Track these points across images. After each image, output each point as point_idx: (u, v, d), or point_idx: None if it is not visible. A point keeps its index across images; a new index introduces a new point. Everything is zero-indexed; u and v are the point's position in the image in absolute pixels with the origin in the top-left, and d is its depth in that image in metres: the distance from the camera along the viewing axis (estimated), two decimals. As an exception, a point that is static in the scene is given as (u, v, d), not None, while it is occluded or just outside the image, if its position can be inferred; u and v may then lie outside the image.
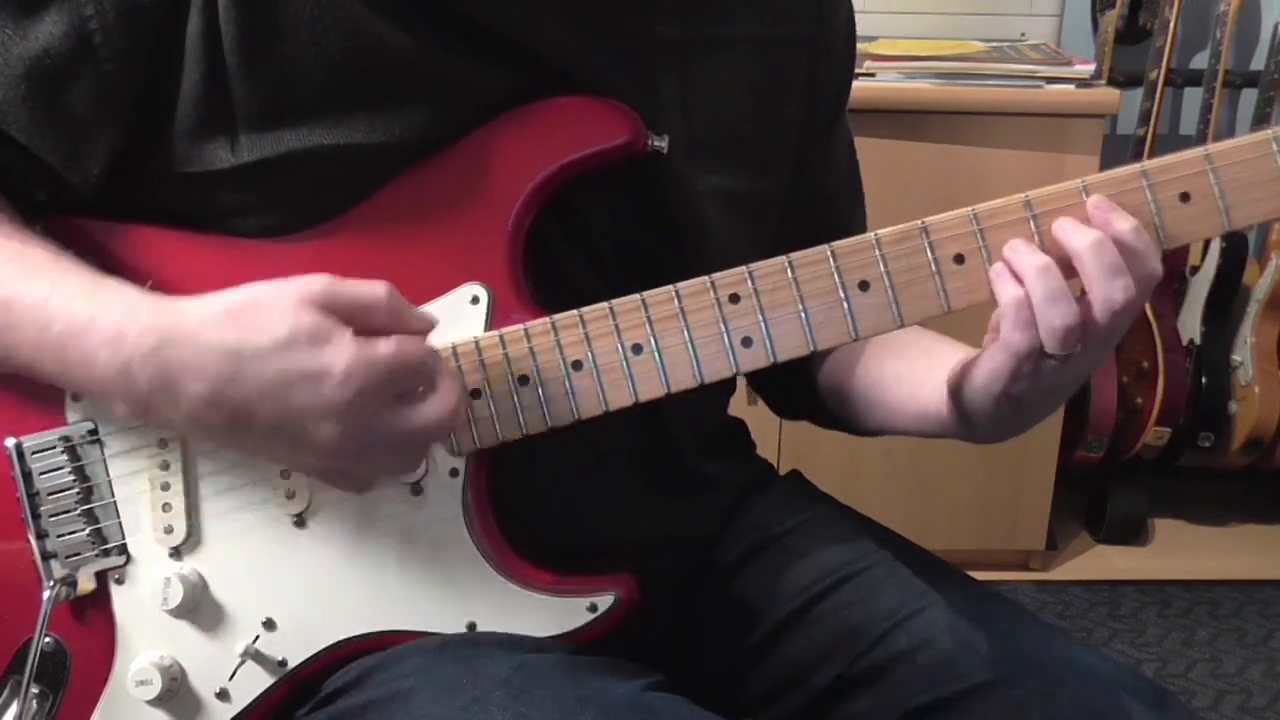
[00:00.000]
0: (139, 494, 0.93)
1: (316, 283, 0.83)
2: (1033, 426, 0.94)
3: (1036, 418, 0.92)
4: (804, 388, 1.16)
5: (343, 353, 0.80)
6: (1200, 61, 2.89)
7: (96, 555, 0.93)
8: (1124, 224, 0.84)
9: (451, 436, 0.90)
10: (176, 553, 0.93)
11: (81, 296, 0.85)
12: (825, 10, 1.09)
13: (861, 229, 1.02)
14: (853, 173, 1.21)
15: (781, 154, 1.08)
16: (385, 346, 0.81)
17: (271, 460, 0.88)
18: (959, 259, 0.87)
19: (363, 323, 0.82)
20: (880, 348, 1.07)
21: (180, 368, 0.81)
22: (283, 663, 0.92)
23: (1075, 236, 0.84)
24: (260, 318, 0.81)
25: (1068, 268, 0.84)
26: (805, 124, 1.09)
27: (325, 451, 0.82)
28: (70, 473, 0.92)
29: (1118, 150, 2.77)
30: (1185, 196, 0.86)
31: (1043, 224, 0.87)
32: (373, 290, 0.83)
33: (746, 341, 0.89)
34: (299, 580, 0.92)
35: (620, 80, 0.95)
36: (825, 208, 1.15)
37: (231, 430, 0.83)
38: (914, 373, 1.02)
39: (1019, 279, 0.84)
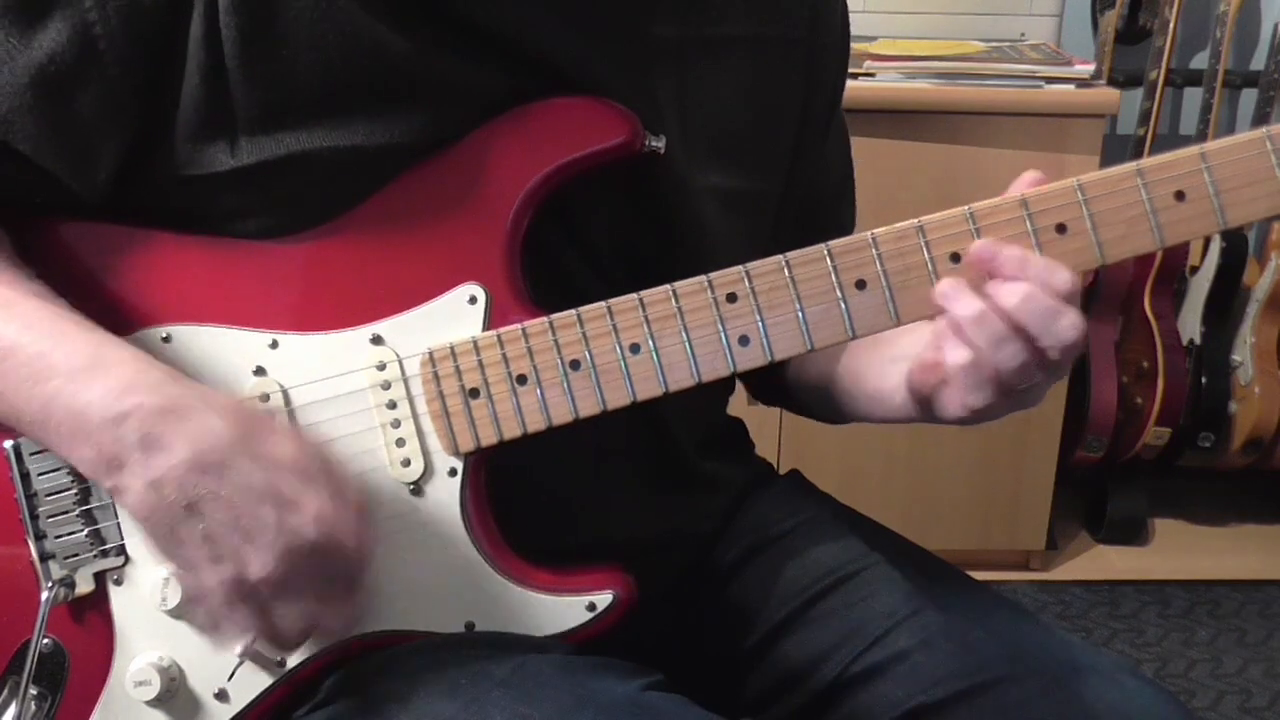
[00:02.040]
0: (138, 494, 0.93)
1: (323, 444, 0.87)
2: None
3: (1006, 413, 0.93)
4: (775, 377, 1.17)
5: (321, 502, 0.81)
6: (1200, 61, 2.89)
7: (95, 556, 0.93)
8: (1060, 276, 0.84)
9: (451, 436, 0.91)
10: (175, 553, 0.93)
11: (86, 351, 0.84)
12: (820, 9, 1.09)
13: (851, 225, 1.02)
14: (846, 170, 1.21)
15: (778, 153, 1.09)
16: (352, 525, 0.82)
17: (180, 562, 0.83)
18: (955, 258, 0.88)
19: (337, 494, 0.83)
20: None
21: (175, 435, 0.80)
22: (281, 663, 0.92)
23: (1005, 296, 0.84)
24: (273, 431, 0.83)
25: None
26: (801, 122, 1.09)
27: (242, 578, 0.80)
28: (68, 473, 0.92)
29: (1118, 150, 2.77)
30: (1180, 195, 0.86)
31: (1038, 223, 0.87)
32: (357, 486, 0.85)
33: (744, 340, 0.89)
34: (298, 580, 0.92)
35: (618, 80, 0.95)
36: (818, 205, 1.16)
37: (178, 514, 0.80)
38: (875, 366, 1.02)
39: (959, 333, 0.85)
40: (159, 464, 0.80)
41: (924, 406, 0.93)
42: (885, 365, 0.99)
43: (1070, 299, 0.84)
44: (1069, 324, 0.83)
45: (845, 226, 1.18)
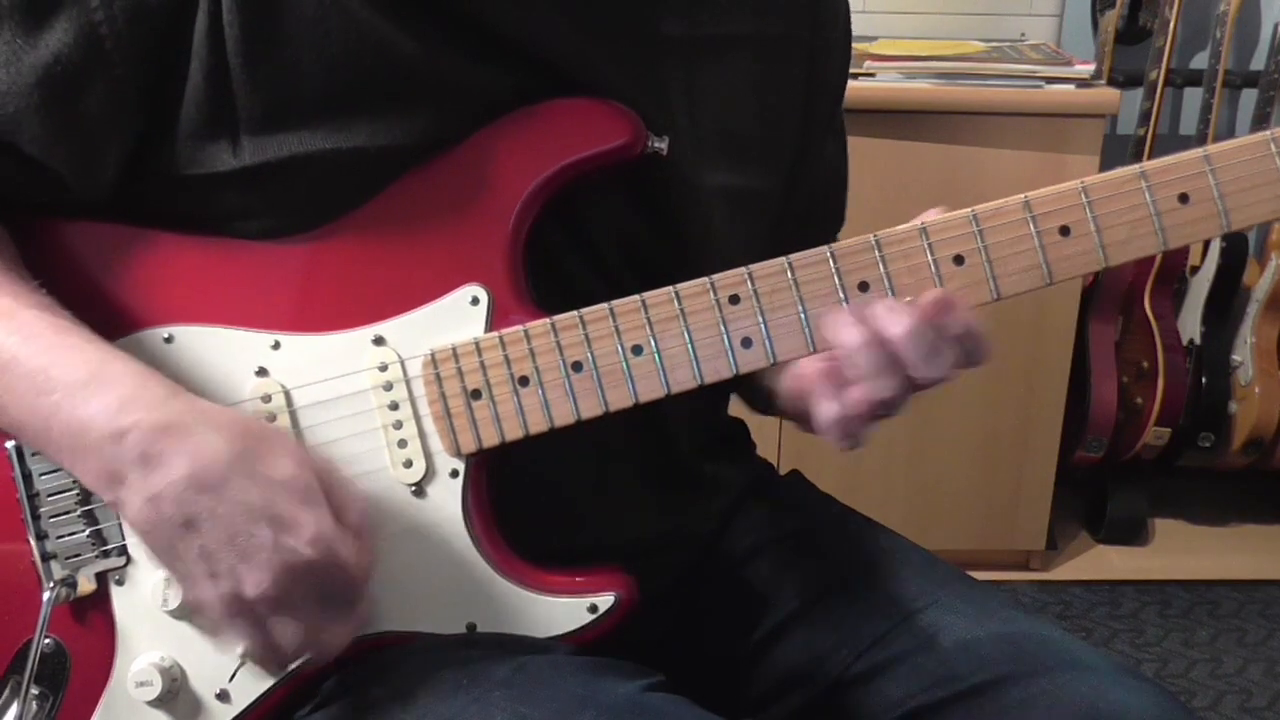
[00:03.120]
0: (139, 495, 0.93)
1: (323, 460, 0.86)
2: None
3: None
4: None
5: (318, 521, 0.81)
6: (1200, 61, 2.89)
7: (96, 556, 0.93)
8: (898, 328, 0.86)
9: (453, 437, 0.91)
10: (177, 554, 0.93)
11: (86, 365, 0.84)
12: (823, 10, 1.09)
13: (842, 213, 1.02)
14: (842, 169, 1.21)
15: (782, 153, 1.09)
16: (350, 545, 0.83)
17: (179, 575, 0.84)
18: (958, 260, 0.88)
19: (338, 514, 0.84)
20: None
21: (175, 451, 0.81)
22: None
23: (890, 325, 0.86)
24: (270, 449, 0.83)
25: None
26: (804, 121, 1.09)
27: (238, 595, 0.81)
28: (70, 474, 0.92)
29: (1118, 150, 2.77)
30: (1184, 198, 0.86)
31: (1042, 225, 0.87)
32: (358, 496, 0.86)
33: (746, 342, 0.89)
34: (299, 581, 0.92)
35: (623, 81, 0.95)
36: (820, 205, 1.16)
37: (177, 530, 0.81)
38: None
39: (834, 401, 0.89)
40: (157, 481, 0.80)
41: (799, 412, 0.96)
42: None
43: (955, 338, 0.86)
44: (947, 362, 0.86)
45: (838, 215, 1.20)
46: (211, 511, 0.80)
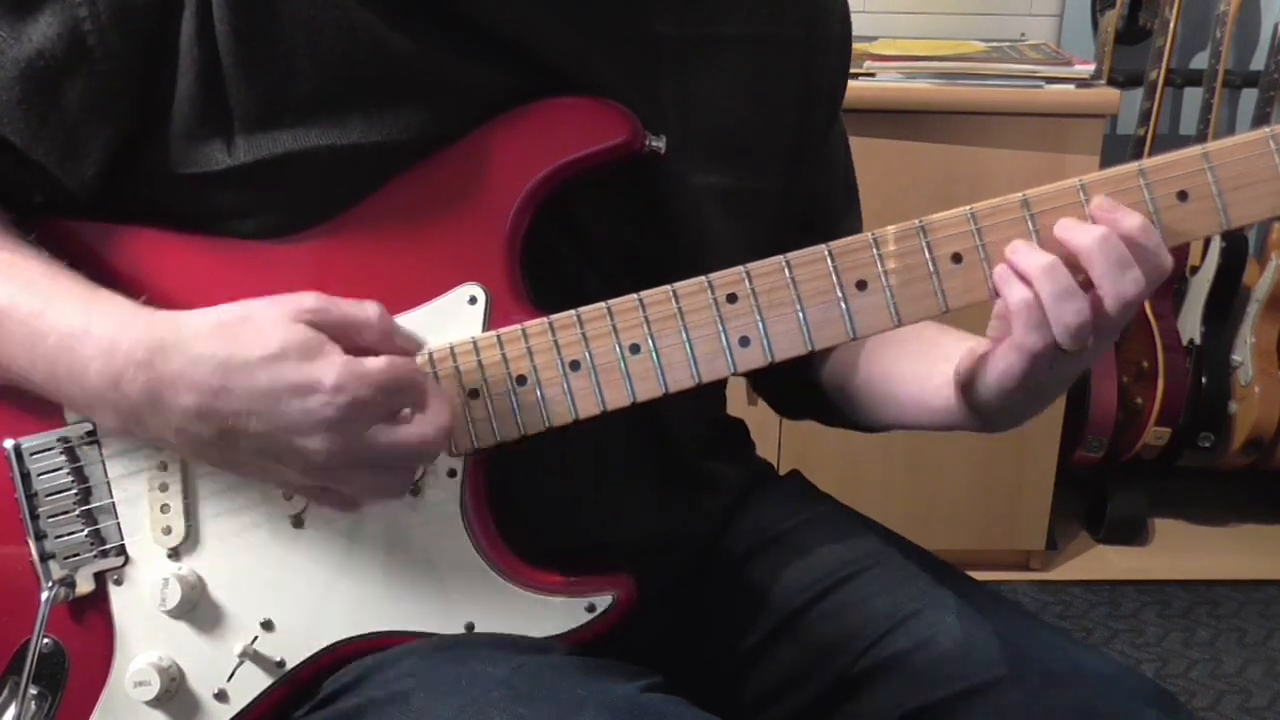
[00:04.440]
0: (137, 494, 0.93)
1: (308, 298, 0.84)
2: (1041, 412, 0.95)
3: (1046, 405, 0.93)
4: (806, 387, 1.16)
5: (332, 367, 0.81)
6: (1200, 61, 2.89)
7: (95, 556, 0.93)
8: (1130, 220, 0.84)
9: (451, 436, 0.90)
10: (175, 553, 0.93)
11: (75, 309, 0.85)
12: (819, 10, 1.09)
13: (857, 230, 1.02)
14: (848, 173, 1.21)
15: (778, 153, 1.08)
16: (375, 363, 0.82)
17: (260, 477, 0.87)
18: (956, 258, 0.87)
19: (352, 340, 0.83)
20: (883, 343, 1.07)
21: (171, 379, 0.82)
22: (281, 663, 0.92)
23: (1080, 233, 0.84)
24: (251, 331, 0.82)
25: (1072, 265, 0.84)
26: (801, 123, 1.09)
27: (312, 467, 0.83)
28: (69, 473, 0.92)
29: (1118, 150, 2.77)
30: (1183, 195, 0.86)
31: (1040, 223, 0.87)
32: (363, 308, 0.84)
33: (744, 341, 0.89)
34: (297, 581, 0.92)
35: (619, 80, 0.95)
36: (820, 208, 1.15)
37: (219, 444, 0.83)
38: (919, 368, 1.02)
39: (1025, 280, 0.85)
40: (172, 411, 0.82)
41: (966, 394, 0.93)
42: (933, 364, 0.99)
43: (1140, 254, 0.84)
44: (1133, 278, 0.83)
45: (850, 232, 1.18)
46: (236, 414, 0.81)
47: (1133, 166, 0.86)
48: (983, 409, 0.93)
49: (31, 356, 0.86)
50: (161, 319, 0.85)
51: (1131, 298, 0.83)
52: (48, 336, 0.85)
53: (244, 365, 0.81)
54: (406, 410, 0.84)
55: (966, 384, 0.93)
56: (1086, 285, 0.84)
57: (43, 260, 0.89)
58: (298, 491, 0.89)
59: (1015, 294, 0.85)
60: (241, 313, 0.83)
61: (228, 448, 0.83)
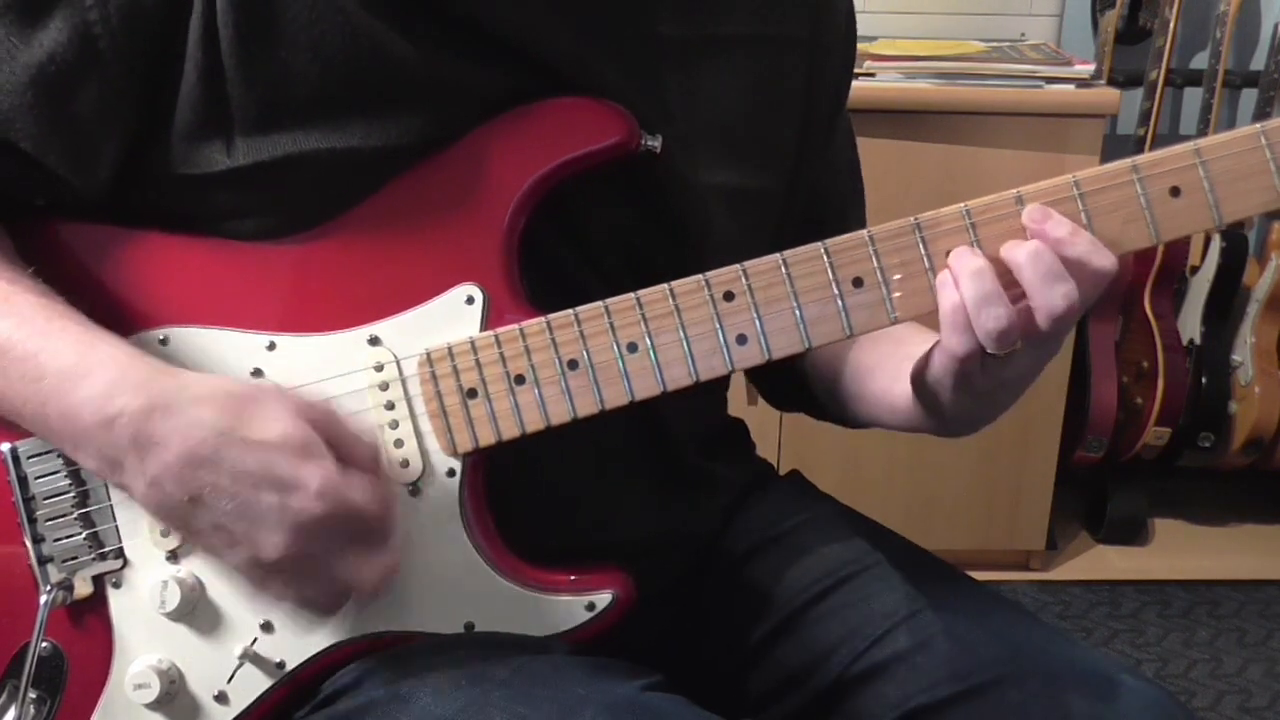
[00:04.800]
0: (136, 497, 0.93)
1: (319, 405, 0.85)
2: (997, 417, 0.96)
3: (997, 410, 0.94)
4: (794, 379, 1.16)
5: (321, 473, 0.81)
6: (1200, 61, 2.89)
7: (93, 559, 0.93)
8: (1059, 230, 0.85)
9: (449, 437, 0.91)
10: (174, 556, 0.93)
11: (74, 351, 0.85)
12: (823, 8, 1.09)
13: (860, 227, 1.02)
14: (854, 171, 1.21)
15: (782, 152, 1.08)
16: (359, 487, 0.82)
17: (204, 547, 0.86)
18: (952, 255, 0.88)
19: (344, 457, 0.83)
20: (867, 339, 1.08)
21: (164, 433, 0.81)
22: (281, 664, 0.92)
23: (1014, 251, 0.85)
24: (257, 412, 0.82)
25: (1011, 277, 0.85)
26: (805, 122, 1.09)
27: (259, 561, 0.82)
28: (66, 476, 0.92)
29: (1118, 150, 2.75)
30: (1175, 191, 0.86)
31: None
32: (362, 440, 0.85)
33: (741, 339, 0.89)
34: (296, 582, 0.92)
35: (619, 80, 0.95)
36: (825, 206, 1.15)
37: (184, 508, 0.82)
38: (886, 365, 1.03)
39: (956, 284, 0.86)
40: (153, 464, 0.81)
41: (919, 394, 0.94)
42: (899, 364, 1.00)
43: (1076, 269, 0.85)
44: (1063, 292, 0.84)
45: (854, 229, 1.18)
46: (213, 485, 0.80)
47: (1126, 162, 0.87)
48: (935, 409, 0.95)
49: (24, 395, 0.85)
50: (165, 372, 0.85)
51: (1061, 312, 0.84)
52: (44, 377, 0.84)
53: (240, 442, 0.81)
54: (369, 545, 0.84)
55: (918, 384, 0.95)
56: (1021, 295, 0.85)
57: (41, 296, 0.88)
58: (236, 570, 0.86)
59: (945, 298, 0.86)
60: (251, 392, 0.84)
61: (190, 514, 0.82)
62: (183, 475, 0.81)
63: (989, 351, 0.85)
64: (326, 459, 0.82)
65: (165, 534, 0.92)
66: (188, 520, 0.83)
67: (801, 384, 1.17)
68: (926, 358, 0.92)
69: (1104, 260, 0.86)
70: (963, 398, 0.91)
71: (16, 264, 0.91)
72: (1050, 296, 0.84)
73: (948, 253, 0.87)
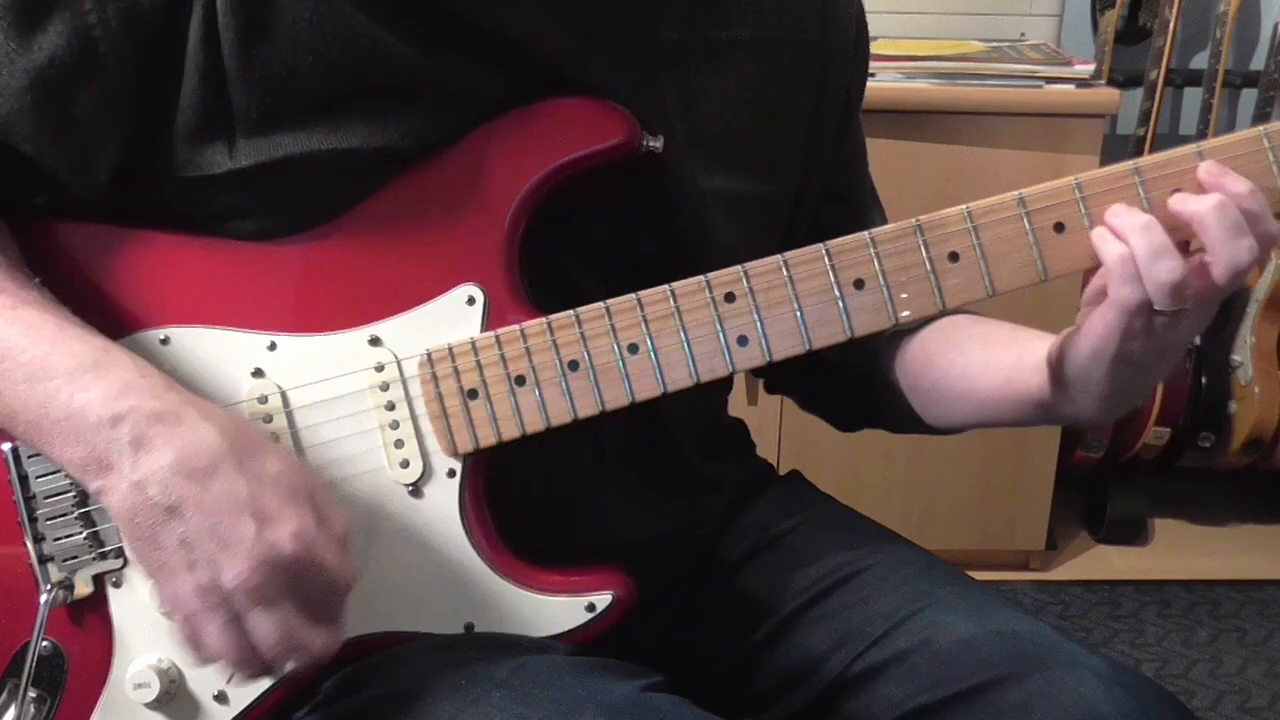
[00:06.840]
0: (136, 496, 0.93)
1: (316, 470, 0.89)
2: (1140, 398, 0.94)
3: (1147, 385, 0.93)
4: (868, 396, 1.14)
5: (302, 519, 0.80)
6: (1200, 61, 2.89)
7: (94, 558, 0.93)
8: (1240, 186, 0.85)
9: (450, 437, 0.91)
10: (174, 555, 0.92)
11: (91, 352, 0.84)
12: (831, 13, 1.09)
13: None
14: (866, 179, 1.20)
15: (787, 157, 1.08)
16: (333, 551, 0.82)
17: (157, 567, 0.82)
18: (954, 256, 0.88)
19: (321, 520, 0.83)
20: (958, 339, 1.06)
21: (166, 438, 0.80)
22: (280, 665, 0.92)
23: (1194, 202, 0.85)
24: (261, 447, 0.83)
25: (1175, 232, 0.84)
26: (812, 126, 1.09)
27: (213, 587, 0.79)
28: (67, 476, 0.92)
29: (1118, 150, 2.76)
30: (1178, 193, 0.86)
31: (1036, 221, 0.87)
32: (343, 510, 0.84)
33: (742, 340, 0.89)
34: (296, 582, 0.92)
35: (620, 82, 0.95)
36: (841, 212, 1.14)
37: (159, 517, 0.80)
38: (1004, 357, 1.01)
39: (1121, 238, 0.85)
40: (145, 466, 0.80)
41: (1058, 376, 0.93)
42: (1021, 354, 0.99)
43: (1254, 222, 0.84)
44: (1247, 246, 0.83)
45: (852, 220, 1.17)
46: (197, 499, 0.79)
47: (1128, 165, 0.87)
48: (1081, 388, 0.92)
49: (23, 397, 0.84)
50: (179, 388, 0.84)
51: (1245, 264, 0.83)
52: (53, 377, 0.83)
53: (237, 466, 0.80)
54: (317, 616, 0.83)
55: (1059, 365, 0.93)
56: (1183, 249, 0.84)
57: (50, 306, 0.88)
58: (173, 603, 0.82)
59: (1111, 250, 0.85)
60: (259, 432, 0.86)
61: (162, 524, 0.80)
62: (170, 482, 0.79)
63: (1156, 308, 0.84)
64: (309, 510, 0.81)
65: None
66: (155, 531, 0.80)
67: (875, 399, 1.13)
68: (1073, 336, 0.90)
69: (1274, 224, 0.85)
70: (1122, 367, 0.88)
71: (24, 274, 0.91)
72: (1235, 249, 0.83)
73: (950, 254, 0.87)
